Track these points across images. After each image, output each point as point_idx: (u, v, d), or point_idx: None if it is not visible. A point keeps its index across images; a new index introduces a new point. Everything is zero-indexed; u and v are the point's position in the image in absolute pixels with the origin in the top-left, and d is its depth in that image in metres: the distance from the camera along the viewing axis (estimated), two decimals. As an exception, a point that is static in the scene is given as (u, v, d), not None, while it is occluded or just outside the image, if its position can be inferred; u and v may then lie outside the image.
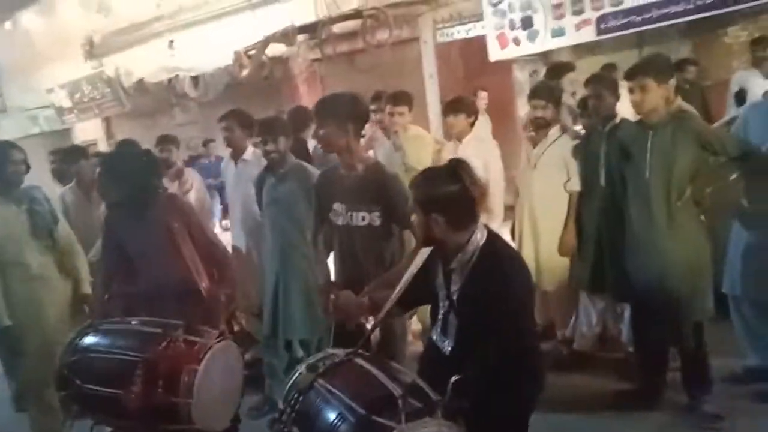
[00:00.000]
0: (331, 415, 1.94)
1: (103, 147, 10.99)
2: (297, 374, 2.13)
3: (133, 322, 2.85)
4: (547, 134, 3.89)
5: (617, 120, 3.67)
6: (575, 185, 3.84)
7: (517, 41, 6.63)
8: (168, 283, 3.09)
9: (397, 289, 2.23)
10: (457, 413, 1.89)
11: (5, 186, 3.59)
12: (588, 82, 3.80)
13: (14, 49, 12.25)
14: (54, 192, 5.67)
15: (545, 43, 6.37)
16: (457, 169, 2.08)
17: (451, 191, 2.06)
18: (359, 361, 2.12)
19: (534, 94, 3.95)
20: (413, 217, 2.17)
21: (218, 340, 2.76)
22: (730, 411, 3.22)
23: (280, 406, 2.10)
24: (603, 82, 3.74)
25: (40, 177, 5.83)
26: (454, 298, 2.13)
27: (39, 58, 11.43)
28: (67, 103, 10.67)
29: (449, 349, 2.17)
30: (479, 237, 2.10)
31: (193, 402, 2.55)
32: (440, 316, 2.22)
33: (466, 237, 2.10)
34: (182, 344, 2.66)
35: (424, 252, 2.22)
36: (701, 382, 3.28)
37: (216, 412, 2.72)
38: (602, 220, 3.71)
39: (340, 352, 2.18)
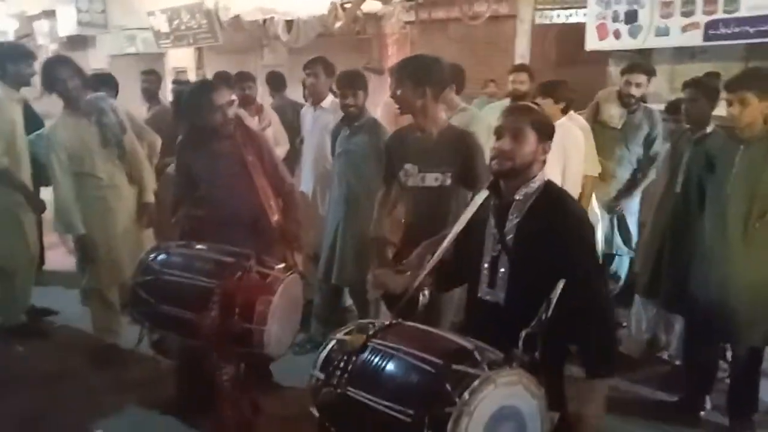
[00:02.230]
0: (400, 368, 1.84)
1: (192, 76, 11.32)
2: (331, 344, 2.02)
3: (204, 248, 2.96)
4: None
5: (708, 129, 3.54)
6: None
7: (617, 34, 6.42)
8: (238, 212, 3.19)
9: (450, 234, 2.22)
10: (531, 365, 1.84)
11: (68, 100, 3.75)
12: (686, 85, 3.67)
13: (121, -30, 12.67)
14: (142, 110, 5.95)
15: (647, 40, 6.14)
16: None
17: (547, 118, 2.19)
18: (409, 324, 2.08)
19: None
20: (494, 142, 2.13)
21: (289, 273, 2.88)
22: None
23: (316, 372, 1.98)
24: (702, 88, 3.60)
25: (130, 95, 6.12)
26: (510, 237, 2.09)
27: (144, -19, 11.78)
28: (165, 28, 10.98)
29: (502, 297, 2.10)
30: (542, 175, 2.14)
31: (265, 329, 2.69)
32: (486, 267, 2.15)
33: (536, 170, 2.12)
34: (256, 275, 2.79)
35: (480, 196, 2.21)
36: (746, 408, 3.20)
37: (280, 339, 2.86)
38: (669, 226, 3.62)
39: (372, 324, 2.07)
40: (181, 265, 2.89)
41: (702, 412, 3.39)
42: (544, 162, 2.15)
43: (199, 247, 3.00)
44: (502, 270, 2.11)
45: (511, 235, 2.10)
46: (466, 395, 1.66)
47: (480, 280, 2.18)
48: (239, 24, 9.54)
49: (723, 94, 3.26)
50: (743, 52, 6.15)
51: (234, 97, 3.24)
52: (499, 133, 2.11)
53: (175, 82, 7.10)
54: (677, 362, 3.76)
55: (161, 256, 2.95)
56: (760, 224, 3.01)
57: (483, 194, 2.22)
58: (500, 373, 1.74)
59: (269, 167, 3.30)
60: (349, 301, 4.27)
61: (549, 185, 2.14)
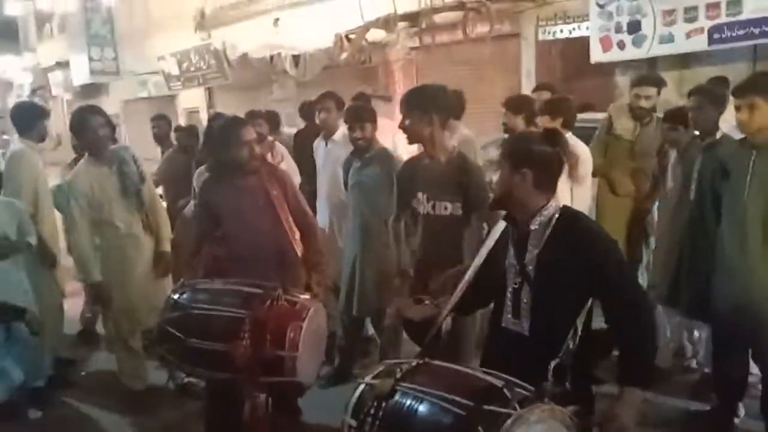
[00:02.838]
0: (431, 412, 1.82)
1: (204, 115, 11.52)
2: (360, 389, 2.00)
3: (230, 282, 3.01)
4: None
5: (718, 135, 3.53)
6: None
7: (621, 45, 6.45)
8: (264, 247, 3.22)
9: (471, 268, 2.23)
10: (562, 397, 1.84)
11: (95, 149, 3.83)
12: (691, 93, 3.67)
13: (132, 19, 13.00)
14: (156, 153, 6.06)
15: (652, 48, 6.17)
16: (555, 135, 2.16)
17: (546, 150, 2.12)
18: (437, 362, 2.06)
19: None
20: (495, 178, 2.16)
21: (316, 301, 2.95)
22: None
23: (348, 420, 1.95)
24: (707, 95, 3.59)
25: (142, 138, 6.27)
26: (530, 267, 2.08)
27: (153, 28, 12.08)
28: (175, 71, 11.23)
29: (526, 327, 2.09)
30: (556, 203, 2.13)
31: (298, 355, 2.73)
32: (509, 297, 2.14)
33: (544, 201, 2.11)
34: (285, 303, 2.84)
35: (497, 229, 2.23)
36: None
37: (310, 367, 2.91)
38: (686, 234, 3.60)
39: (404, 361, 2.08)
40: (209, 299, 2.94)
41: (736, 420, 3.33)
42: (548, 189, 2.12)
43: (225, 281, 3.05)
44: (525, 300, 2.11)
45: (531, 266, 2.09)
46: None
47: (503, 309, 2.18)
48: (247, 62, 9.73)
49: (732, 100, 3.26)
50: (750, 54, 6.14)
51: (256, 134, 3.31)
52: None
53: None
54: (706, 370, 3.70)
55: (187, 293, 3.00)
56: (779, 230, 2.99)
57: (501, 225, 2.23)
58: (532, 411, 1.73)
59: (293, 201, 3.35)
60: (371, 331, 4.27)
61: (564, 211, 2.13)
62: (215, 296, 2.96)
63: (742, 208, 3.07)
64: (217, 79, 10.56)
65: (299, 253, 3.31)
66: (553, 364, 1.86)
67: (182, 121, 9.88)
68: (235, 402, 3.14)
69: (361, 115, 3.82)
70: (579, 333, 1.98)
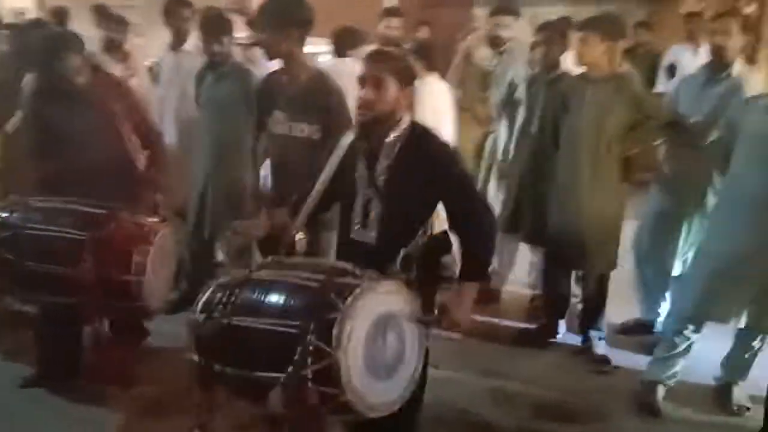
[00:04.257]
0: (284, 290, 1.90)
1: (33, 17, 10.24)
2: (211, 288, 2.03)
3: (67, 201, 2.82)
4: None
5: (559, 71, 3.75)
6: None
7: (480, -23, 6.54)
8: (102, 163, 2.98)
9: (321, 178, 2.24)
10: (407, 285, 1.98)
11: None
12: (541, 29, 3.85)
13: None
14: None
15: (508, -17, 6.29)
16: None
17: (407, 63, 2.23)
18: (287, 259, 2.15)
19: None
20: (365, 88, 2.12)
21: (164, 223, 2.88)
22: (617, 357, 3.49)
23: (196, 315, 1.98)
24: (554, 30, 3.79)
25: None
26: (381, 179, 2.15)
27: None
28: (-5, -37, 9.80)
29: (374, 237, 2.17)
30: (408, 117, 2.20)
31: (144, 279, 2.66)
32: (358, 210, 2.20)
33: (402, 113, 2.16)
34: (131, 225, 2.76)
35: (345, 139, 2.24)
36: (597, 328, 3.53)
37: (158, 292, 2.86)
38: (527, 166, 3.83)
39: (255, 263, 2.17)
40: (45, 218, 2.77)
41: (558, 335, 3.71)
42: (410, 105, 2.19)
43: (63, 200, 2.85)
44: (375, 212, 2.17)
45: (382, 177, 2.15)
46: (350, 300, 1.78)
47: (351, 221, 2.24)
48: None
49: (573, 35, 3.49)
50: (594, -3, 6.50)
51: (81, 61, 2.99)
52: (361, 82, 2.12)
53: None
54: (536, 291, 4.06)
55: (19, 211, 2.79)
56: (606, 158, 3.27)
57: (349, 137, 2.23)
58: (380, 283, 1.89)
59: (135, 116, 3.14)
60: (221, 257, 4.17)
61: (414, 126, 2.20)
62: (52, 215, 2.78)
63: (577, 137, 3.33)
64: (50, -24, 9.37)
65: (140, 167, 3.13)
66: (402, 253, 2.02)
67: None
68: (73, 327, 3.00)
69: (220, 26, 3.58)
70: (428, 232, 2.16)
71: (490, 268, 3.41)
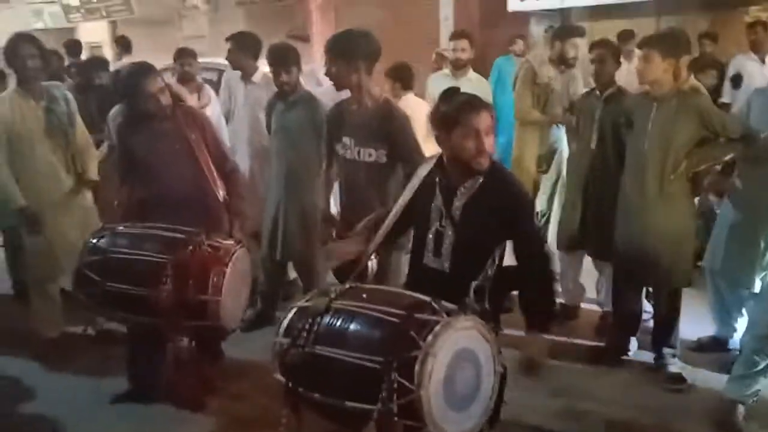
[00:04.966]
0: (365, 324, 1.98)
1: (107, 51, 10.85)
2: (293, 311, 2.14)
3: (151, 227, 3.00)
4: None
5: (614, 88, 3.75)
6: None
7: (537, -5, 6.58)
8: (183, 191, 3.18)
9: (396, 206, 2.37)
10: (482, 314, 2.09)
11: (24, 80, 3.61)
12: (593, 47, 3.86)
13: (23, -62, 11.88)
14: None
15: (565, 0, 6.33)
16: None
17: None
18: (366, 286, 2.25)
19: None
20: (458, 135, 2.21)
21: (239, 246, 3.00)
22: (691, 375, 3.43)
23: (280, 339, 2.08)
24: (608, 48, 3.80)
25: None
26: (457, 213, 2.25)
27: (49, -49, 11.11)
28: (74, 2, 10.46)
29: (447, 265, 2.28)
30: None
31: (221, 299, 2.78)
32: (431, 238, 2.30)
33: None
34: (208, 248, 2.89)
35: (422, 171, 2.35)
36: (669, 345, 3.48)
37: (234, 312, 2.98)
38: (589, 181, 3.82)
39: (333, 288, 2.21)
40: (129, 243, 2.94)
41: (630, 353, 3.65)
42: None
43: (146, 226, 3.03)
44: (447, 242, 2.27)
45: (458, 213, 2.26)
46: (430, 338, 1.85)
47: (425, 249, 2.34)
48: (155, -6, 9.20)
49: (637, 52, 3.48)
50: (654, 8, 6.45)
51: (163, 83, 3.21)
52: (481, 131, 2.21)
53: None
54: (605, 309, 4.02)
55: (107, 237, 2.97)
56: (675, 177, 3.25)
57: (426, 168, 2.34)
58: (458, 319, 1.95)
59: (212, 145, 3.30)
60: (293, 275, 4.32)
61: (494, 165, 2.30)
62: (136, 240, 2.96)
63: (643, 156, 3.31)
64: (122, 12, 9.95)
65: (221, 199, 3.28)
66: (474, 285, 2.11)
67: (84, 57, 9.25)
68: (158, 346, 3.16)
69: (287, 57, 3.74)
70: (496, 263, 2.25)
71: (557, 290, 3.45)
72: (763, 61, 5.74)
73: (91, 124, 4.21)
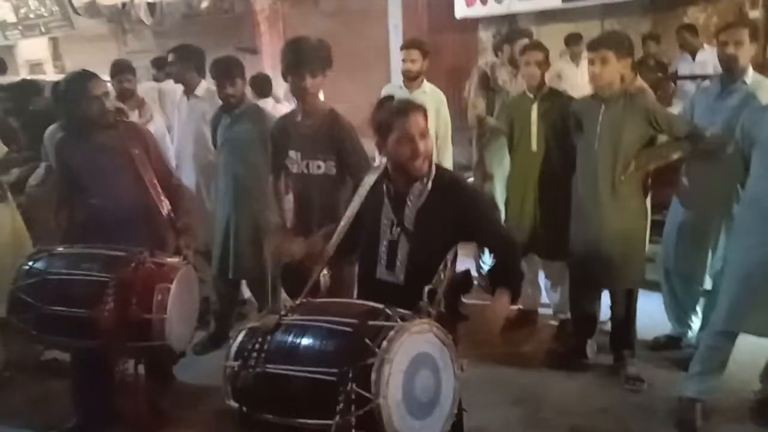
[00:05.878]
0: (318, 336, 1.91)
1: (49, 68, 10.53)
2: (242, 333, 2.04)
3: (91, 246, 2.88)
4: None
5: (545, 89, 3.77)
6: None
7: (483, 0, 6.63)
8: (127, 208, 3.06)
9: (344, 218, 2.29)
10: (437, 318, 2.01)
11: None
12: (524, 50, 3.86)
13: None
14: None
15: (511, 5, 6.40)
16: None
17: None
18: (318, 300, 2.18)
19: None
20: (393, 140, 2.17)
21: (185, 262, 2.91)
22: (650, 374, 3.44)
23: (230, 362, 1.97)
24: (538, 50, 3.79)
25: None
26: (410, 222, 2.20)
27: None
28: (11, 18, 10.09)
29: (401, 277, 2.21)
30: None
31: (166, 317, 2.68)
32: (384, 250, 2.24)
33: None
34: (151, 265, 2.78)
35: (368, 181, 2.29)
36: (627, 346, 3.49)
37: (182, 331, 2.86)
38: (535, 184, 3.79)
39: (284, 305, 2.16)
40: (67, 264, 2.82)
41: (590, 355, 3.65)
42: None
43: (86, 246, 2.91)
44: (402, 253, 2.21)
45: (411, 222, 2.20)
46: (384, 344, 1.78)
47: (377, 261, 2.26)
48: (96, 9, 8.95)
49: (586, 54, 3.46)
50: (598, 12, 6.55)
51: (108, 88, 3.12)
52: (415, 136, 2.16)
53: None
54: (562, 315, 4.03)
55: (43, 259, 2.84)
56: (626, 177, 3.25)
57: (372, 177, 2.27)
58: (413, 323, 1.89)
59: (156, 161, 3.20)
60: (247, 294, 4.20)
61: (438, 169, 2.26)
62: (74, 261, 2.83)
63: (594, 157, 3.31)
64: (62, 28, 9.62)
65: (165, 215, 3.15)
66: (427, 288, 2.03)
67: (24, 75, 8.91)
68: (104, 373, 3.01)
69: (231, 69, 3.64)
70: (449, 266, 2.16)
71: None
72: (693, 59, 5.98)
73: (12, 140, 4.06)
